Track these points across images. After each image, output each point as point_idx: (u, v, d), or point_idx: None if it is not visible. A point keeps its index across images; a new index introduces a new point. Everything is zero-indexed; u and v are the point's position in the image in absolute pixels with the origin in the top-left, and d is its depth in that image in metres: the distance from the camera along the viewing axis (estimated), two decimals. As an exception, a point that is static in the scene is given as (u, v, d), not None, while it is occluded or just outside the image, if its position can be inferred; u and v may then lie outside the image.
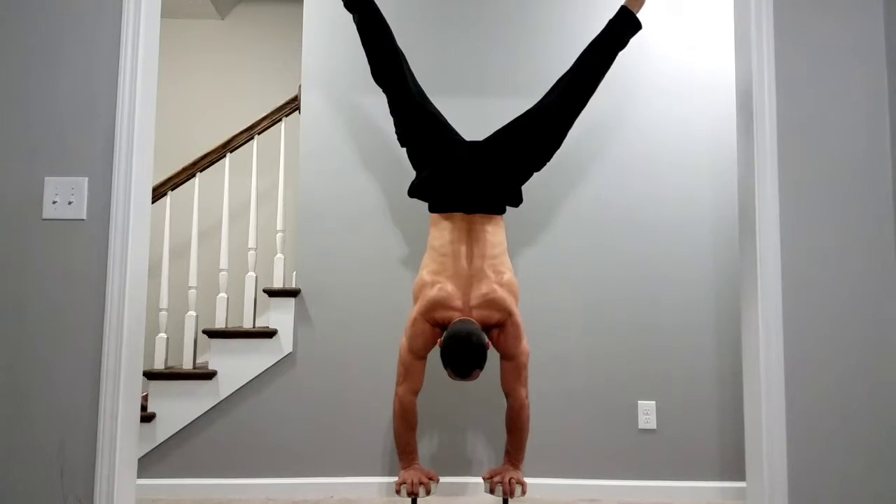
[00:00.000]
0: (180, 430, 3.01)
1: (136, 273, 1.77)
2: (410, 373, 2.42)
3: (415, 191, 2.59)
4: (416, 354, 2.41)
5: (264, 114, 3.33)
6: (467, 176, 2.48)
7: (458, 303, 2.37)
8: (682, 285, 3.10)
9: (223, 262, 3.22)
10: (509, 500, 2.46)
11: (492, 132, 2.59)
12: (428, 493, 2.40)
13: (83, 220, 1.75)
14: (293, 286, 3.15)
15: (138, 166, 1.78)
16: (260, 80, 4.27)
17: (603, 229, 3.13)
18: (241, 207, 3.78)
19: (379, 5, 2.56)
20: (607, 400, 3.06)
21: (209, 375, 3.03)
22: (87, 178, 1.76)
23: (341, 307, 3.10)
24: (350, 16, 2.61)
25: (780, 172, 1.79)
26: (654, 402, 3.05)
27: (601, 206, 3.14)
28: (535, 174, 2.61)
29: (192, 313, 3.16)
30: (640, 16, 2.55)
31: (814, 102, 1.81)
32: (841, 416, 1.73)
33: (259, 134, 3.30)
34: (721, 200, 3.12)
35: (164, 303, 3.17)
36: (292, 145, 3.36)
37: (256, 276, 3.23)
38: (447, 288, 2.38)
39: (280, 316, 3.10)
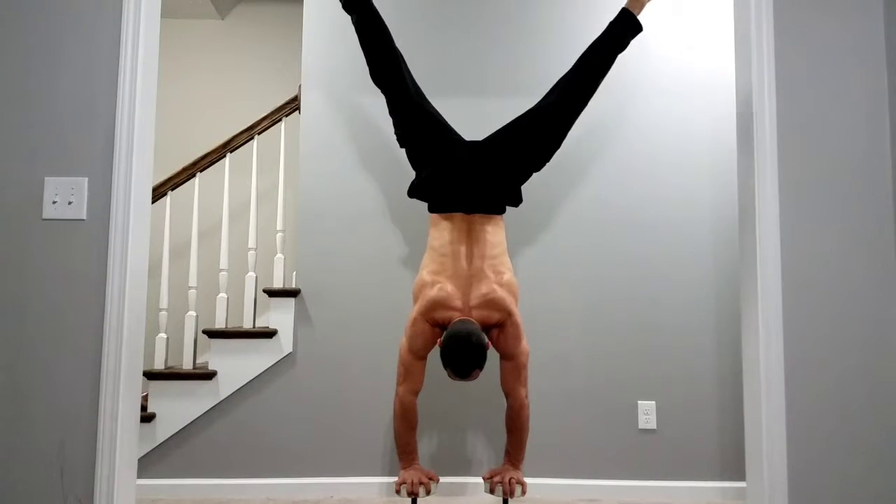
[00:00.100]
0: (180, 430, 3.01)
1: (136, 273, 1.77)
2: (410, 373, 2.42)
3: (414, 191, 2.59)
4: (416, 354, 2.41)
5: (264, 114, 3.34)
6: (467, 176, 2.48)
7: (457, 303, 2.37)
8: (682, 285, 3.10)
9: (223, 262, 3.22)
10: (509, 500, 2.46)
11: (491, 132, 2.59)
12: (428, 493, 2.41)
13: (83, 220, 1.75)
14: (293, 286, 3.15)
15: (138, 166, 1.78)
16: (260, 80, 4.27)
17: (603, 229, 3.13)
18: (241, 207, 3.78)
19: (379, 5, 2.56)
20: (607, 400, 3.06)
21: (209, 375, 3.03)
22: (87, 178, 1.76)
23: (341, 307, 3.11)
24: (349, 16, 2.61)
25: (780, 172, 1.79)
26: (654, 402, 3.05)
27: (601, 206, 3.14)
28: (535, 174, 2.61)
29: (192, 313, 3.16)
30: (641, 16, 2.55)
31: (814, 102, 1.81)
32: (841, 416, 1.73)
33: (259, 134, 3.30)
34: (721, 200, 3.12)
35: (164, 303, 3.17)
36: (292, 145, 3.36)
37: (256, 276, 3.23)
38: (447, 288, 2.38)
39: (280, 316, 3.10)
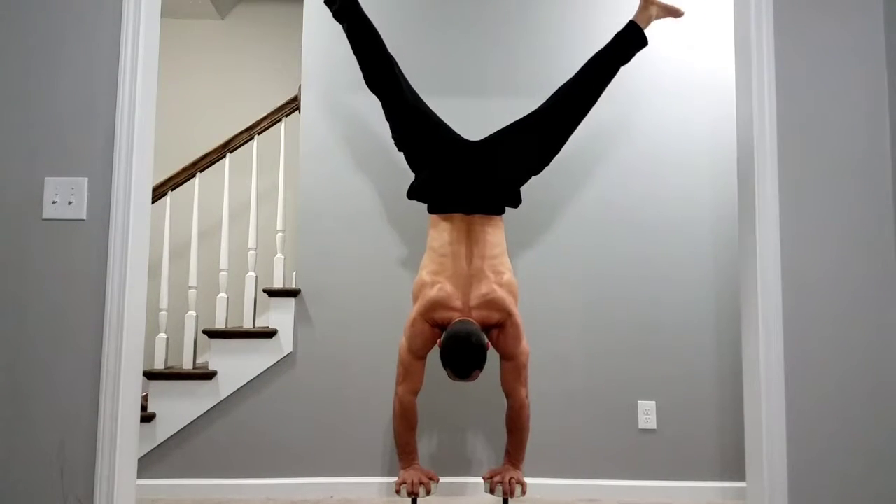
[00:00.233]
0: (180, 430, 3.01)
1: (136, 273, 1.77)
2: (410, 373, 2.42)
3: (414, 192, 2.59)
4: (416, 355, 2.41)
5: (264, 114, 3.34)
6: (466, 177, 2.48)
7: (457, 303, 2.37)
8: (682, 285, 3.10)
9: (223, 262, 3.22)
10: (509, 500, 2.46)
11: (491, 132, 2.59)
12: (428, 493, 2.41)
13: (83, 220, 1.75)
14: (293, 286, 3.15)
15: (138, 166, 1.78)
16: (260, 80, 4.27)
17: (603, 229, 3.13)
18: (241, 207, 3.78)
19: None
20: (607, 400, 3.06)
21: (209, 375, 3.03)
22: (87, 178, 1.76)
23: (341, 307, 3.11)
24: (340, 25, 2.61)
25: (780, 172, 1.79)
26: (654, 402, 3.05)
27: (601, 206, 3.14)
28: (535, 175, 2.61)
29: (192, 313, 3.16)
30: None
31: (814, 102, 1.81)
32: (841, 416, 1.73)
33: (259, 134, 3.30)
34: (721, 200, 3.13)
35: (164, 303, 3.17)
36: (292, 145, 3.36)
37: (256, 276, 3.23)
38: (447, 288, 2.38)
39: (280, 316, 3.10)
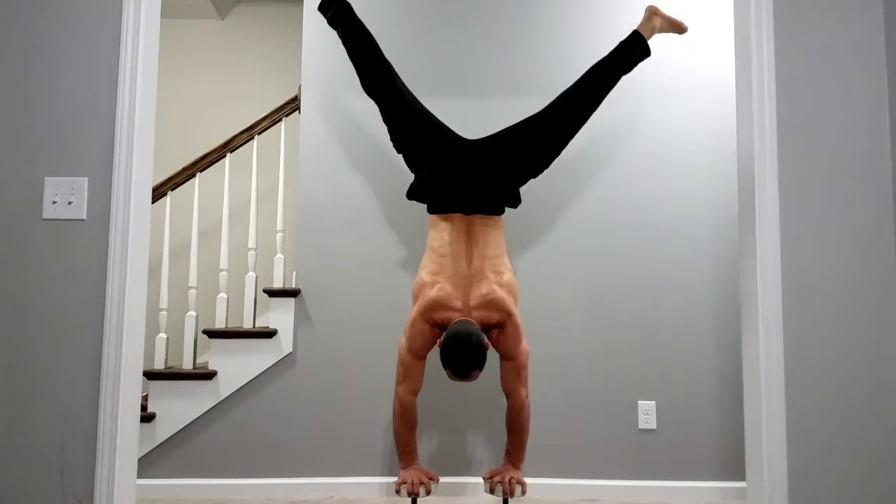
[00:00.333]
0: (180, 430, 3.01)
1: (136, 273, 1.77)
2: (410, 373, 2.42)
3: (413, 193, 2.59)
4: (416, 355, 2.41)
5: (264, 114, 3.34)
6: (465, 177, 2.49)
7: (457, 303, 2.37)
8: (682, 285, 3.10)
9: (223, 262, 3.22)
10: (509, 500, 2.46)
11: (491, 132, 2.59)
12: (428, 492, 2.41)
13: (83, 220, 1.75)
14: (293, 286, 3.15)
15: (138, 166, 1.78)
16: (260, 80, 4.27)
17: (603, 229, 3.13)
18: (241, 207, 3.78)
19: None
20: (607, 400, 3.06)
21: (209, 375, 3.03)
22: (87, 178, 1.76)
23: (341, 307, 3.11)
24: (335, 31, 2.61)
25: (780, 172, 1.79)
26: (654, 402, 3.05)
27: (601, 207, 3.14)
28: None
29: (192, 313, 3.16)
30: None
31: (814, 102, 1.81)
32: (841, 416, 1.73)
33: (259, 134, 3.30)
34: (721, 200, 3.13)
35: (164, 303, 3.17)
36: (292, 145, 3.36)
37: (256, 276, 3.23)
38: (447, 288, 2.38)
39: (280, 316, 3.10)
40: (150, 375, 3.02)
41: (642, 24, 2.61)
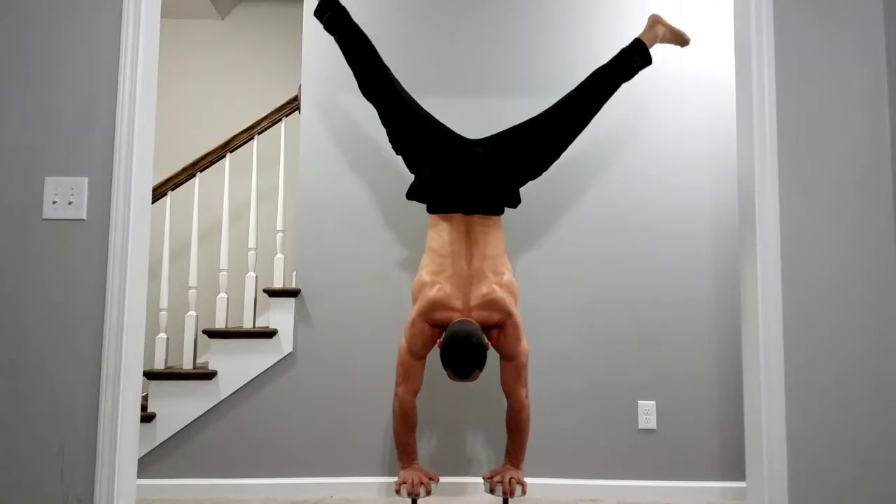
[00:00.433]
0: (180, 430, 3.01)
1: (136, 273, 1.77)
2: (410, 373, 2.42)
3: (413, 193, 2.59)
4: (416, 355, 2.41)
5: (264, 114, 3.34)
6: (465, 177, 2.49)
7: (457, 303, 2.37)
8: (682, 285, 3.10)
9: (223, 262, 3.22)
10: (509, 499, 2.46)
11: (491, 133, 2.59)
12: (428, 493, 2.41)
13: (83, 220, 1.75)
14: (293, 286, 3.15)
15: (138, 166, 1.78)
16: (260, 80, 4.27)
17: (603, 229, 3.13)
18: (241, 207, 3.78)
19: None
20: (607, 400, 3.06)
21: (209, 375, 3.03)
22: (87, 178, 1.76)
23: (341, 307, 3.10)
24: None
25: (780, 172, 1.79)
26: (654, 402, 3.05)
27: (601, 207, 3.14)
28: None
29: (192, 313, 3.16)
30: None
31: (814, 102, 1.81)
32: (841, 416, 1.73)
33: (259, 134, 3.30)
34: (721, 200, 3.13)
35: (164, 303, 3.17)
36: (292, 145, 3.36)
37: (256, 276, 3.23)
38: (446, 288, 2.38)
39: (280, 316, 3.10)
40: (150, 375, 3.02)
41: (645, 31, 2.63)
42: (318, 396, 3.06)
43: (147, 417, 2.96)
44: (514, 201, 2.59)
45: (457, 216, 2.48)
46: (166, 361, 3.14)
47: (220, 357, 3.06)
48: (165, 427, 3.00)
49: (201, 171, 3.25)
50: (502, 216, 2.56)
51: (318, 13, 2.59)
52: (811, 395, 1.74)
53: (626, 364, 3.07)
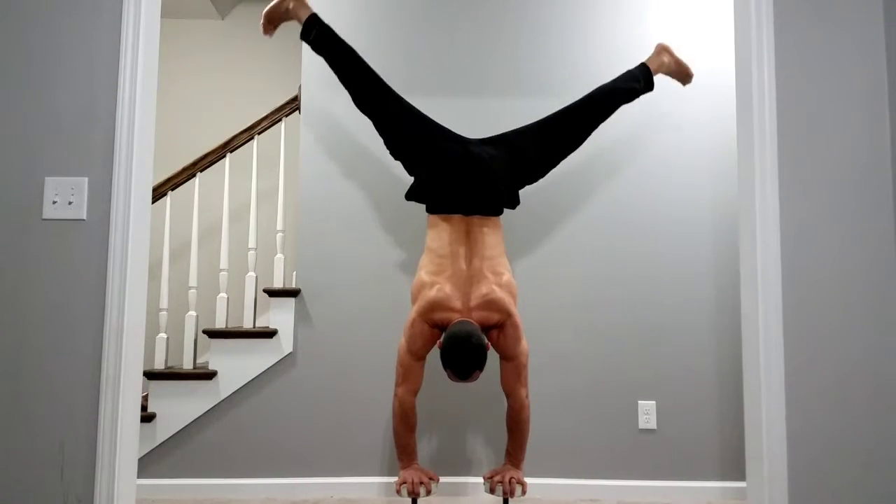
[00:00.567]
0: (180, 430, 3.01)
1: (136, 273, 1.77)
2: (409, 374, 2.42)
3: (412, 193, 2.60)
4: (415, 355, 2.41)
5: (264, 114, 3.34)
6: (464, 177, 2.49)
7: (457, 304, 2.37)
8: (682, 285, 3.10)
9: (223, 262, 3.22)
10: (509, 499, 2.46)
11: (490, 134, 2.60)
12: (428, 492, 2.41)
13: (83, 220, 1.75)
14: (293, 286, 3.15)
15: (138, 166, 1.78)
16: (260, 80, 4.27)
17: (602, 230, 3.13)
18: (241, 207, 3.78)
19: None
20: (607, 400, 3.06)
21: (209, 375, 3.03)
22: (87, 178, 1.76)
23: (341, 307, 3.10)
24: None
25: (780, 172, 1.79)
26: (654, 402, 3.05)
27: (600, 207, 3.14)
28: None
29: (192, 313, 3.16)
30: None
31: (814, 102, 1.81)
32: (841, 416, 1.73)
33: (259, 134, 3.30)
34: (721, 200, 3.13)
35: (164, 303, 3.17)
36: (292, 145, 3.36)
37: (256, 276, 3.23)
38: (446, 289, 2.38)
39: (280, 316, 3.10)
40: (150, 375, 3.02)
41: (651, 57, 2.72)
42: (318, 396, 3.06)
43: (147, 417, 2.96)
44: (513, 202, 2.60)
45: (456, 217, 2.48)
46: (166, 361, 3.14)
47: (220, 357, 3.06)
48: (165, 427, 3.00)
49: (201, 171, 3.25)
50: (501, 217, 2.56)
51: (304, 35, 2.63)
52: (811, 395, 1.74)
53: (627, 364, 3.07)
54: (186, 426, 3.01)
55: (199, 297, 3.45)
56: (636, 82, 2.64)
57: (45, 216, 1.75)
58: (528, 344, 2.47)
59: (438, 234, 2.49)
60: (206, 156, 3.25)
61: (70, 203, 1.75)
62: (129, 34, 1.79)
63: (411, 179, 2.64)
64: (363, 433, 3.05)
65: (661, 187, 3.14)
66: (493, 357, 2.41)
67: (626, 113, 3.15)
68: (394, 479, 2.87)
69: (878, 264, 1.77)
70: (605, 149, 3.16)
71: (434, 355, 2.39)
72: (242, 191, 3.46)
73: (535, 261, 3.12)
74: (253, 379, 3.06)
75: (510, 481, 2.40)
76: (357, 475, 3.02)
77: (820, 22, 1.83)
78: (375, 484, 3.01)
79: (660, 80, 3.16)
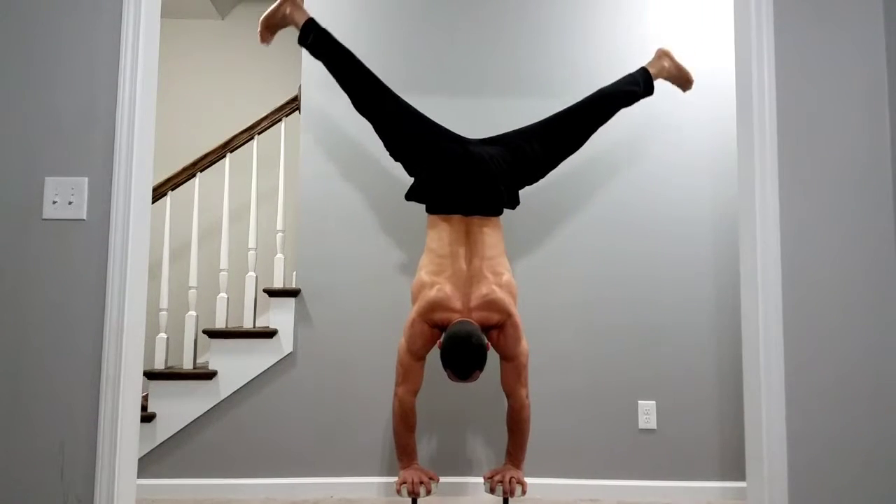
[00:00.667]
0: (180, 430, 3.01)
1: (136, 273, 1.77)
2: (409, 374, 2.42)
3: (412, 194, 2.60)
4: (415, 355, 2.41)
5: (264, 114, 3.34)
6: (464, 174, 2.49)
7: (457, 304, 2.37)
8: (682, 285, 3.10)
9: (223, 262, 3.22)
10: (510, 499, 2.46)
11: (490, 134, 2.60)
12: (428, 492, 2.41)
13: (83, 220, 1.75)
14: (293, 286, 3.15)
15: (138, 166, 1.78)
16: (260, 80, 4.27)
17: (602, 230, 3.13)
18: (241, 207, 3.78)
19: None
20: (607, 400, 3.06)
21: (209, 375, 3.03)
22: (87, 178, 1.76)
23: (341, 307, 3.10)
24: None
25: (780, 172, 1.79)
26: (654, 402, 3.05)
27: (601, 207, 3.14)
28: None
29: (192, 313, 3.16)
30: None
31: (814, 102, 1.81)
32: (841, 416, 1.73)
33: (259, 134, 3.30)
34: (721, 200, 3.13)
35: (164, 303, 3.17)
36: (292, 145, 3.36)
37: (256, 276, 3.23)
38: (446, 289, 2.38)
39: (280, 316, 3.10)
40: (150, 375, 3.02)
41: (652, 61, 2.73)
42: (318, 396, 3.06)
43: (147, 417, 2.96)
44: (513, 202, 2.60)
45: (456, 217, 2.48)
46: (166, 361, 3.14)
47: (220, 357, 3.06)
48: (165, 427, 3.00)
49: (201, 171, 3.25)
50: (501, 217, 2.56)
51: (302, 40, 2.63)
52: (811, 395, 1.74)
53: (626, 364, 3.07)
54: (186, 426, 3.01)
55: (199, 297, 3.45)
56: (636, 86, 2.65)
57: (45, 216, 1.75)
58: (529, 344, 2.47)
59: (438, 234, 2.48)
60: (206, 156, 3.25)
61: (70, 203, 1.75)
62: (129, 34, 1.79)
63: (411, 179, 2.64)
64: (363, 433, 3.05)
65: (661, 187, 3.14)
66: (493, 357, 2.41)
67: (626, 113, 3.15)
68: (394, 479, 2.87)
69: (878, 264, 1.77)
70: (605, 149, 3.16)
71: (434, 355, 2.39)
72: (242, 191, 3.46)
73: (535, 261, 3.12)
74: (253, 379, 3.06)
75: (510, 481, 2.40)
76: (357, 475, 3.02)
77: (820, 22, 1.83)
78: (375, 484, 3.01)
79: (660, 81, 3.17)
